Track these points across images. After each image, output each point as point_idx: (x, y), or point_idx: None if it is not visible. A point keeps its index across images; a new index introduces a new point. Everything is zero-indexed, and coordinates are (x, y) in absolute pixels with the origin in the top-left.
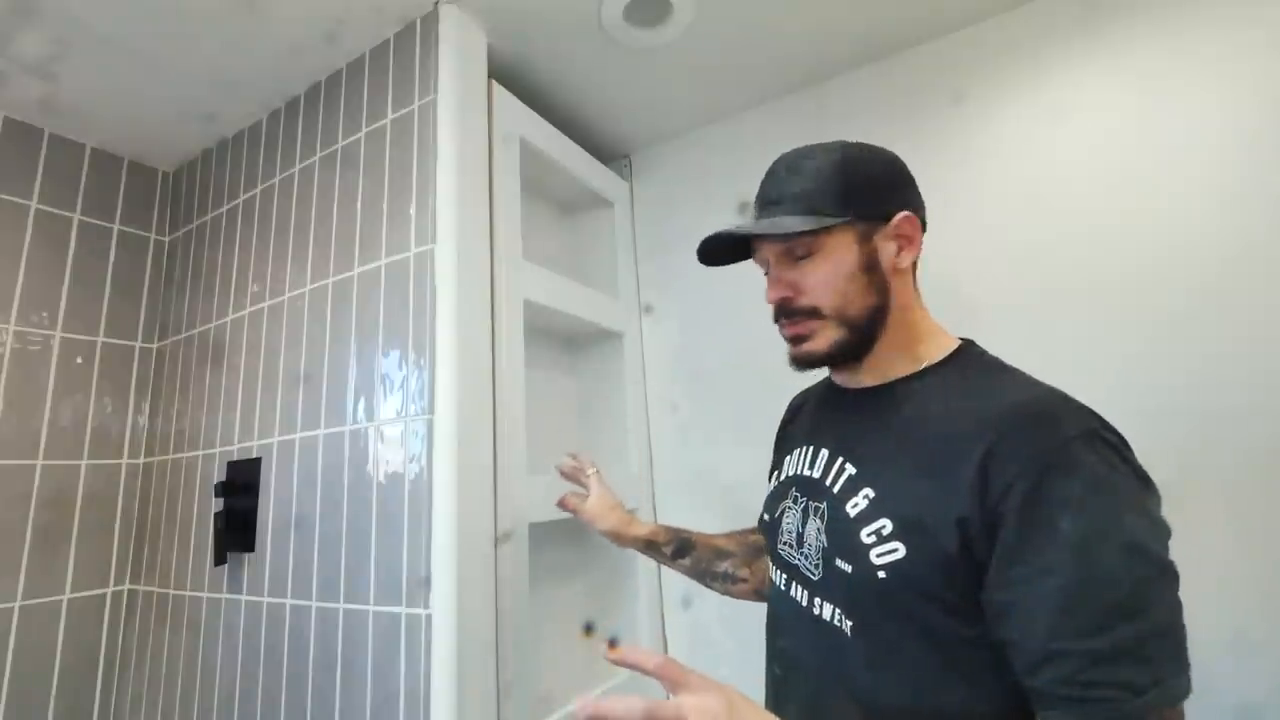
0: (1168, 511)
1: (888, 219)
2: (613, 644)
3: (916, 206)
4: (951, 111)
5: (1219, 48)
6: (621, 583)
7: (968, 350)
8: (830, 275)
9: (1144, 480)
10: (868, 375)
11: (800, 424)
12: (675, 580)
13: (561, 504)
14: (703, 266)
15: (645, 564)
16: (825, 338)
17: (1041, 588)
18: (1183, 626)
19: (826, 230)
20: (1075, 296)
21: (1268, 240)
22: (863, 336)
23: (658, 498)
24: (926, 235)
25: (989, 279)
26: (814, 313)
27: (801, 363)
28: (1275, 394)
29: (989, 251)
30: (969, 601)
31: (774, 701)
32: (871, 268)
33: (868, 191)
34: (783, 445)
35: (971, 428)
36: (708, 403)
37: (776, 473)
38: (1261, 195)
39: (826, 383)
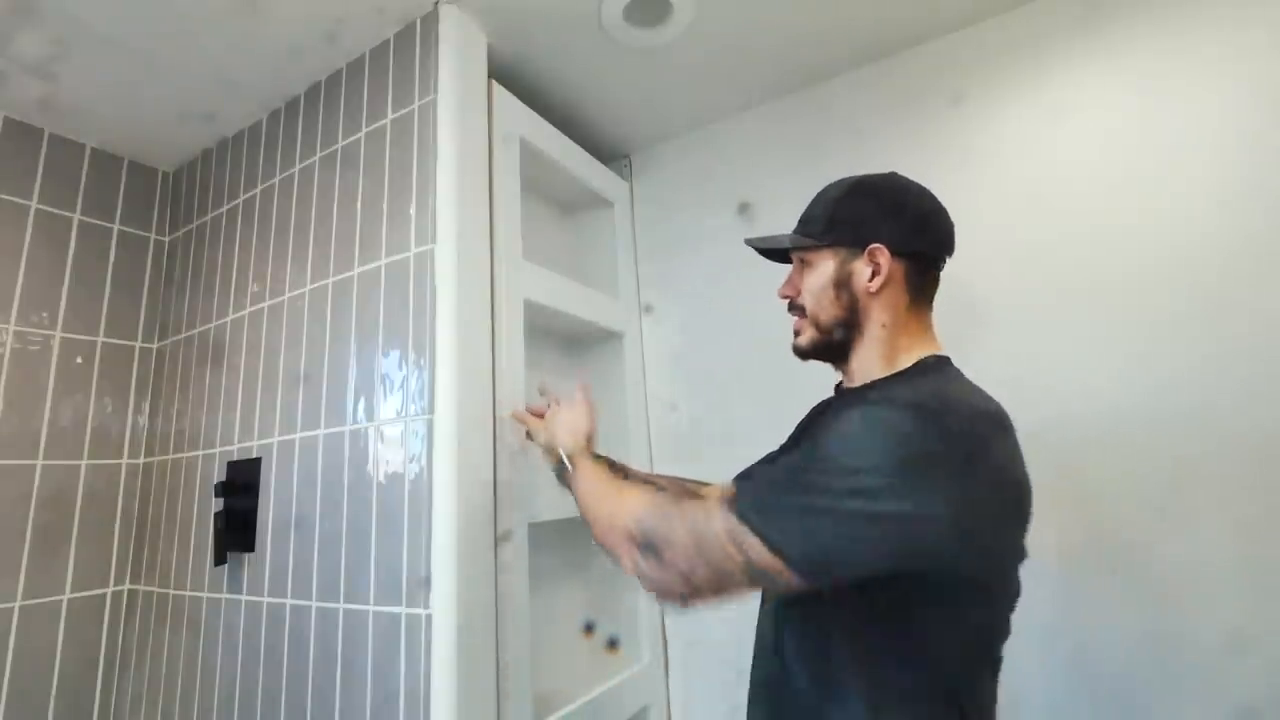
0: (1168, 512)
1: (864, 248)
2: (613, 644)
3: (901, 239)
4: (951, 111)
5: (1219, 48)
6: (622, 583)
7: (927, 361)
8: (813, 284)
9: (938, 445)
10: (854, 379)
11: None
12: None
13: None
14: (703, 267)
15: None
16: (806, 336)
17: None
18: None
19: (815, 248)
20: (1076, 296)
21: (1268, 240)
22: (832, 341)
23: None
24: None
25: (990, 279)
26: (803, 312)
27: (794, 352)
28: (1275, 394)
29: (990, 252)
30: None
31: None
32: (842, 285)
33: (849, 224)
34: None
35: (858, 399)
36: (708, 403)
37: None
38: (1262, 195)
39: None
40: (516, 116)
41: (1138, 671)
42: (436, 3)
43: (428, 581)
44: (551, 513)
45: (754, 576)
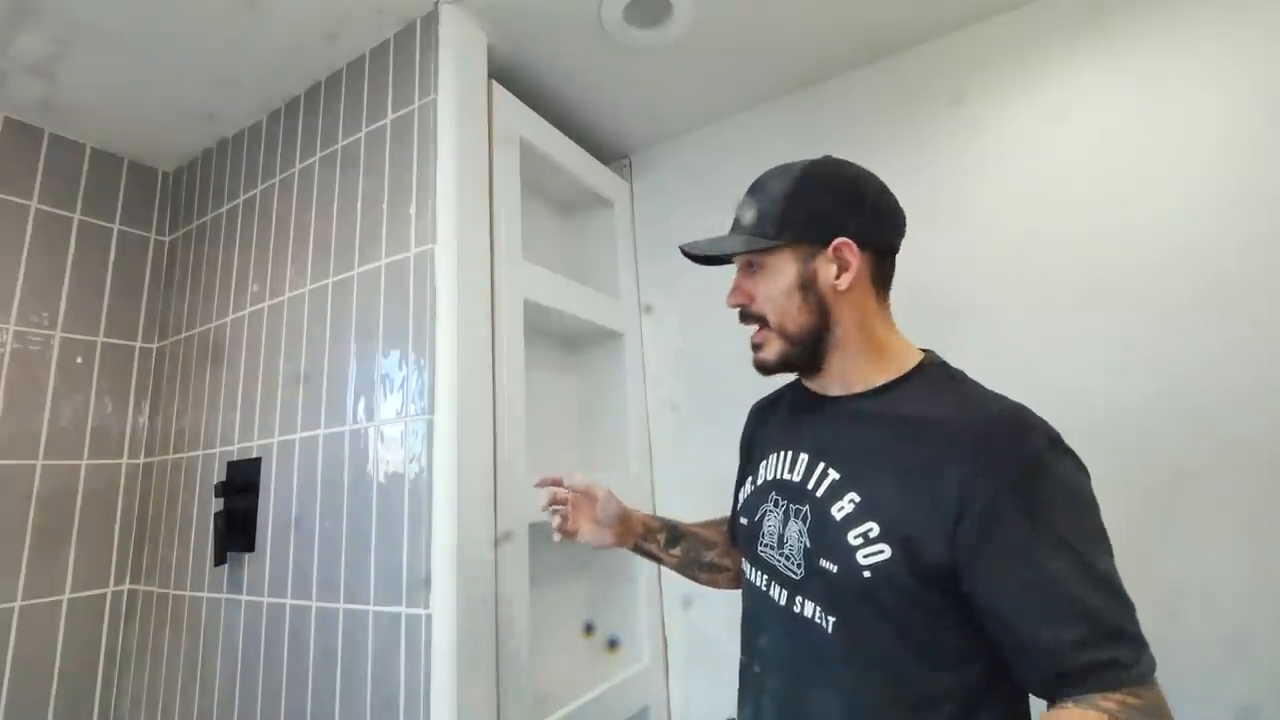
0: (1168, 514)
1: (827, 244)
2: (613, 644)
3: (865, 231)
4: (951, 111)
5: (1219, 47)
6: (621, 583)
7: (931, 361)
8: (770, 290)
9: (1087, 473)
10: (835, 385)
11: (773, 429)
12: (675, 580)
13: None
14: (703, 266)
15: (645, 564)
16: (772, 349)
17: (1030, 586)
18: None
19: (768, 249)
20: (1075, 295)
21: (1268, 239)
22: (805, 350)
23: (658, 498)
24: (930, 235)
25: (989, 278)
26: (763, 320)
27: (758, 369)
28: (1275, 393)
29: (989, 250)
30: (945, 601)
31: (751, 698)
32: (807, 287)
33: (806, 219)
34: (754, 450)
35: (952, 439)
36: (708, 403)
37: (751, 478)
38: (1261, 194)
39: (796, 388)
40: (516, 116)
41: None
42: (436, 3)
43: (428, 581)
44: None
45: None
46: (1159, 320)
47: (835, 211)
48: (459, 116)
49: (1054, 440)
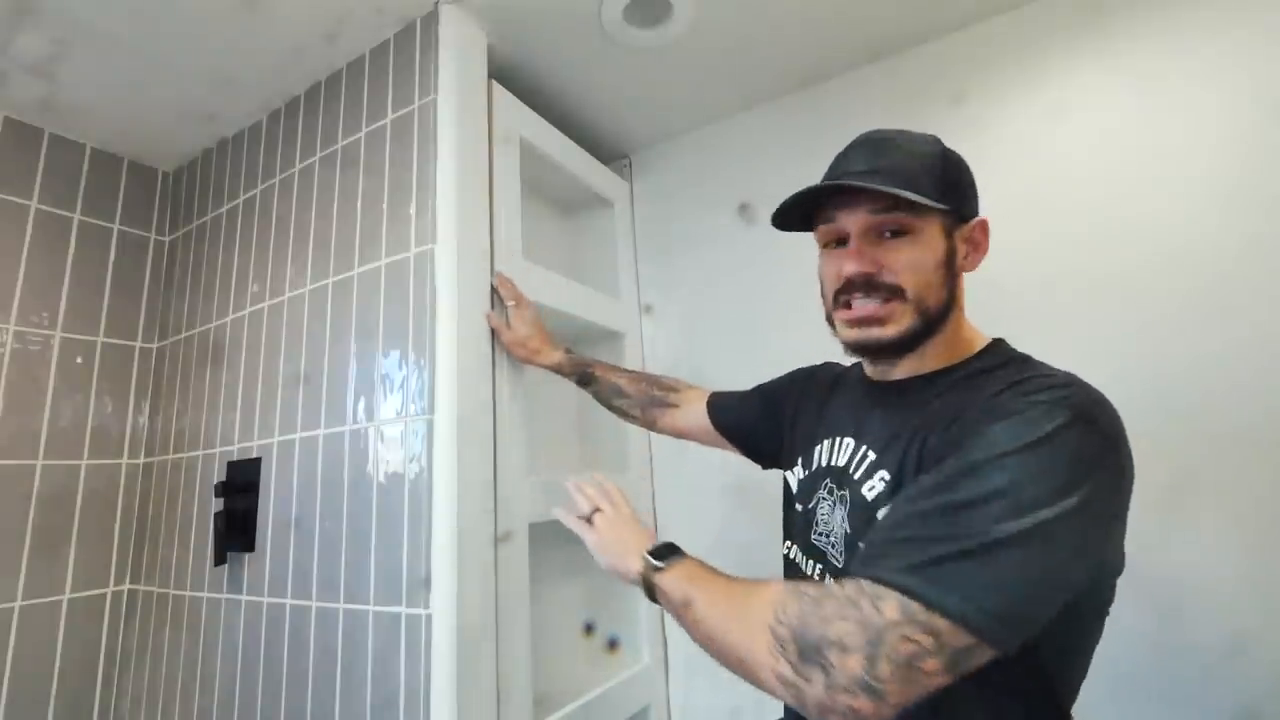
0: (1168, 514)
1: (967, 220)
2: (613, 644)
3: (978, 211)
4: (951, 111)
5: (1219, 47)
6: (622, 583)
7: (997, 347)
8: (919, 259)
9: (1094, 458)
10: (902, 369)
11: (833, 412)
12: None
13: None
14: (703, 267)
15: None
16: (900, 324)
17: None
18: (1016, 581)
19: (922, 213)
20: (1074, 296)
21: (1268, 239)
22: (929, 329)
23: (658, 499)
24: None
25: (988, 277)
26: (897, 292)
27: (865, 349)
28: (1275, 393)
29: (988, 250)
30: None
31: None
32: (949, 263)
33: (961, 188)
34: (805, 416)
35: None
36: None
37: (804, 460)
38: (1261, 194)
39: (858, 374)
40: (516, 116)
41: (1138, 673)
42: (436, 3)
43: (428, 581)
44: (552, 513)
45: (954, 662)
46: (1159, 320)
47: (971, 186)
48: (459, 116)
49: (1074, 411)
